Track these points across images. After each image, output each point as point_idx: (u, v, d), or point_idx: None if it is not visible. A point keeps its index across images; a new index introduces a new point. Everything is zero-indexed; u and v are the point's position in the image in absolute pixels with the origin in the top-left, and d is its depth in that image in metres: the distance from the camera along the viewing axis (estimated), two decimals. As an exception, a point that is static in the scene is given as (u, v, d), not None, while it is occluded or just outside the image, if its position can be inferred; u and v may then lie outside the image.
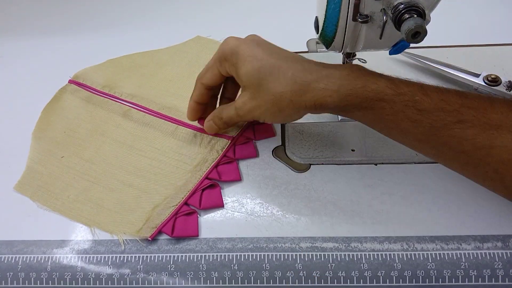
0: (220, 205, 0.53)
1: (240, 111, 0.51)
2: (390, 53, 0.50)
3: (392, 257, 0.47)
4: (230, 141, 0.58)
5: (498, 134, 0.41)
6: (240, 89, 0.52)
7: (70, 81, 0.68)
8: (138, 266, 0.48)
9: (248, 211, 0.52)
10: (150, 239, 0.49)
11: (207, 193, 0.53)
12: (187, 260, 0.48)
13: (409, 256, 0.47)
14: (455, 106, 0.42)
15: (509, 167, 0.41)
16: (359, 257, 0.48)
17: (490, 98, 0.44)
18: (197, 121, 0.59)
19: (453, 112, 0.42)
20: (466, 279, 0.46)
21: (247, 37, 0.52)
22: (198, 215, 0.52)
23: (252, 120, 0.53)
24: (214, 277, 0.47)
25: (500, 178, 0.42)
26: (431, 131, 0.43)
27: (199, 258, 0.48)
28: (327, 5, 0.47)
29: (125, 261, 0.48)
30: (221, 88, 0.57)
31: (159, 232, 0.50)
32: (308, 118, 0.53)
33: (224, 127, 0.56)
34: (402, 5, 0.43)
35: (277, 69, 0.47)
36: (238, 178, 0.55)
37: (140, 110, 0.64)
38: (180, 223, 0.51)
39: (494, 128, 0.41)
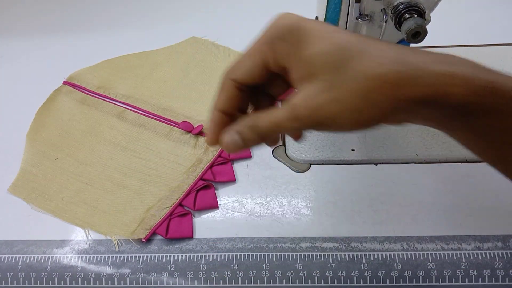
0: (214, 206, 0.54)
1: (301, 109, 0.34)
2: (390, 53, 0.52)
3: (392, 257, 0.49)
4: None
5: None
6: (297, 84, 0.36)
7: (65, 83, 0.70)
8: (138, 266, 0.50)
9: (248, 211, 0.54)
10: (144, 240, 0.51)
11: (201, 194, 0.55)
12: (187, 260, 0.50)
13: (409, 256, 0.49)
14: None
15: None
16: (359, 257, 0.49)
17: None
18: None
19: None
20: (466, 279, 0.48)
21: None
22: (192, 216, 0.53)
23: (314, 126, 0.35)
24: (214, 277, 0.49)
25: None
26: None
27: (199, 258, 0.50)
28: (327, 5, 0.49)
29: (125, 261, 0.50)
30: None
31: (154, 233, 0.52)
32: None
33: (255, 141, 0.38)
34: (402, 5, 0.45)
35: (373, 46, 0.33)
36: (232, 179, 0.57)
37: (135, 111, 0.66)
38: (175, 225, 0.52)
39: None
